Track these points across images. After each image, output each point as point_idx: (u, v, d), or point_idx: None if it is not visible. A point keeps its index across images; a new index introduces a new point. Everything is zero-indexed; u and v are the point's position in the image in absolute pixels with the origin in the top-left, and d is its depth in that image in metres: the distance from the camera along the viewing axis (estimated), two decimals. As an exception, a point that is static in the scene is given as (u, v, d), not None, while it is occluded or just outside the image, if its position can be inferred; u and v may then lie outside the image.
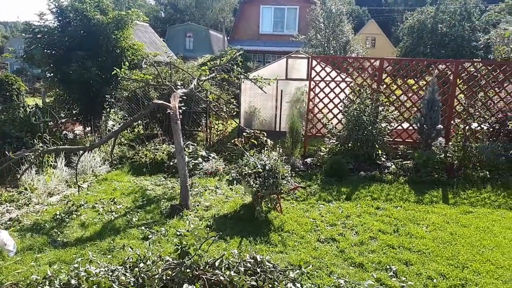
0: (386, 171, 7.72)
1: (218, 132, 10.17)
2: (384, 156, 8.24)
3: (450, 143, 8.16)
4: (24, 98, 12.36)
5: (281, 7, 25.55)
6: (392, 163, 7.94)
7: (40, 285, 3.56)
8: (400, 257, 4.50)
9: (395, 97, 9.09)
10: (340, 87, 9.05)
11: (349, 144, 8.26)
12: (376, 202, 6.34)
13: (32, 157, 6.46)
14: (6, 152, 6.58)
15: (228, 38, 30.65)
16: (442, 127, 8.15)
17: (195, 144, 9.11)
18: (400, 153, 8.80)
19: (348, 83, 9.19)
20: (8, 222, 5.37)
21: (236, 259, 3.64)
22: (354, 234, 5.15)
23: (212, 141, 9.98)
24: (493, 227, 5.40)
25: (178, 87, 8.09)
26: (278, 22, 26.02)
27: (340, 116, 9.03)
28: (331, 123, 8.78)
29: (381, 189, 6.92)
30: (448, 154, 7.77)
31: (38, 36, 9.92)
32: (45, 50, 10.05)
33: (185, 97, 8.37)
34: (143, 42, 12.23)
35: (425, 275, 4.13)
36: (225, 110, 9.87)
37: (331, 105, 9.12)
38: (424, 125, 8.13)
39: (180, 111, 6.79)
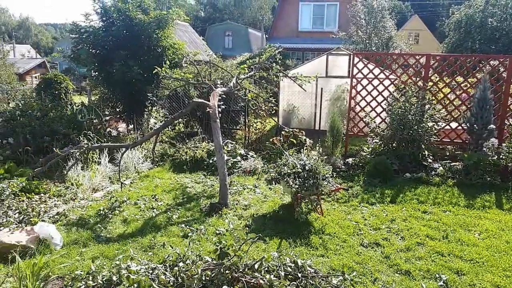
0: (433, 173, 7.34)
1: (257, 131, 10.11)
2: (431, 157, 7.84)
3: (504, 144, 7.64)
4: (72, 96, 12.89)
5: (320, 4, 25.12)
6: (439, 165, 7.55)
7: (84, 280, 3.63)
8: (450, 265, 4.23)
9: (442, 95, 8.64)
10: (384, 84, 8.72)
11: (394, 144, 7.93)
12: (423, 205, 6.03)
13: (78, 153, 6.69)
14: (54, 149, 6.84)
15: (266, 36, 30.58)
16: (494, 127, 7.66)
17: (234, 142, 9.10)
18: (448, 154, 8.35)
19: (392, 80, 8.84)
20: (55, 216, 5.55)
21: (276, 262, 3.54)
22: (400, 239, 4.90)
23: (251, 140, 9.93)
24: (555, 236, 4.98)
25: (218, 85, 8.10)
26: (318, 19, 25.60)
27: (383, 114, 8.70)
28: (374, 122, 8.48)
29: (428, 192, 6.58)
30: (501, 156, 7.28)
31: (84, 36, 10.26)
32: (90, 50, 10.38)
33: (224, 96, 8.37)
34: (183, 41, 12.38)
35: (479, 286, 3.85)
36: (263, 109, 9.79)
37: (374, 103, 8.81)
38: (475, 125, 7.66)
39: (219, 109, 6.78)
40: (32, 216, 5.40)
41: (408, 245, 4.69)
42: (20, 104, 9.54)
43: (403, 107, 7.79)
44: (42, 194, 6.28)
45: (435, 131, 7.89)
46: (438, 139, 8.19)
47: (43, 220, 5.22)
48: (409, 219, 5.50)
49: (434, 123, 7.89)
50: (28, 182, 6.38)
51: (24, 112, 8.88)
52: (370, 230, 5.17)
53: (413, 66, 8.95)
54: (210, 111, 6.39)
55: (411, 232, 5.07)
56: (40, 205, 5.80)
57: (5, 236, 4.56)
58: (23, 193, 6.10)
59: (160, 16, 10.21)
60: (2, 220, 5.20)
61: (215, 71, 10.47)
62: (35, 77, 30.36)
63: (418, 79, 8.54)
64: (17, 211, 5.51)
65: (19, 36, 66.23)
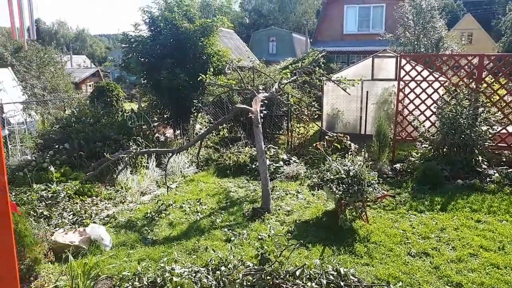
0: (487, 179, 6.92)
1: (300, 135, 10.04)
2: (485, 163, 7.39)
3: None
4: (122, 103, 13.48)
5: (366, 6, 24.59)
6: (495, 171, 7.10)
7: (131, 280, 3.77)
8: (507, 279, 3.95)
9: (497, 97, 8.13)
10: (433, 87, 8.35)
11: (444, 149, 7.57)
12: (477, 214, 5.69)
13: (127, 158, 6.97)
14: (105, 154, 7.17)
15: (311, 40, 30.37)
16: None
17: (276, 147, 9.10)
18: (504, 159, 7.83)
19: (442, 82, 8.45)
20: (106, 219, 5.81)
21: (318, 270, 3.48)
22: (451, 250, 4.65)
23: (293, 144, 9.88)
24: None
25: (260, 91, 8.14)
26: (363, 21, 25.07)
27: (433, 118, 8.34)
28: (423, 126, 8.14)
29: (482, 199, 6.21)
30: None
31: (134, 45, 10.71)
32: (139, 58, 10.81)
33: (266, 101, 8.40)
34: (228, 48, 12.59)
35: (540, 303, 3.57)
36: (306, 113, 9.71)
37: (422, 107, 8.47)
38: (535, 129, 7.15)
39: (262, 114, 6.81)
40: (84, 217, 5.69)
41: (460, 256, 4.44)
42: (75, 112, 10.11)
43: (454, 110, 7.43)
44: (94, 197, 6.60)
45: (489, 135, 7.44)
46: (493, 144, 7.71)
47: (94, 222, 5.48)
48: (461, 228, 5.21)
49: (488, 127, 7.44)
50: (82, 185, 6.74)
51: (79, 119, 9.41)
52: (419, 239, 4.96)
53: (465, 67, 8.52)
54: (252, 117, 6.43)
55: (463, 242, 4.80)
56: (92, 208, 6.10)
57: (60, 236, 4.84)
58: (76, 195, 6.45)
59: (205, 24, 10.44)
60: (58, 221, 5.52)
61: (258, 77, 10.54)
62: (90, 86, 32.10)
63: (470, 80, 8.11)
64: (71, 212, 5.83)
65: (76, 47, 70.47)
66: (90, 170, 7.26)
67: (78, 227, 5.24)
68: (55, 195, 6.22)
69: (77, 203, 6.22)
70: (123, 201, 6.59)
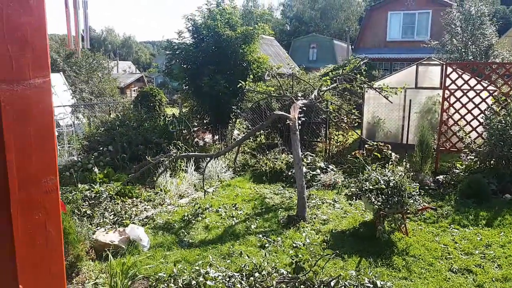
0: (539, 195, 6.51)
1: (338, 143, 9.89)
2: (537, 178, 6.96)
3: None
4: (164, 108, 13.88)
5: (411, 12, 23.96)
6: (547, 186, 6.67)
7: (166, 282, 3.85)
8: (559, 303, 3.69)
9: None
10: (481, 96, 7.98)
11: (491, 162, 7.20)
12: (526, 231, 5.36)
13: (167, 162, 7.15)
14: (146, 157, 7.40)
15: (352, 47, 29.96)
16: None
17: (314, 155, 9.01)
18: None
19: (491, 92, 8.06)
20: (144, 220, 5.99)
21: (353, 281, 3.40)
22: (496, 267, 4.40)
23: (331, 153, 9.74)
24: None
25: (299, 98, 8.11)
26: (408, 28, 24.42)
27: (480, 129, 7.96)
28: (469, 136, 7.79)
29: (533, 216, 5.83)
30: None
31: (177, 52, 11.03)
32: (182, 65, 11.11)
33: (305, 108, 8.36)
34: (268, 55, 12.67)
35: None
36: (346, 121, 9.56)
37: (469, 117, 8.11)
38: None
39: (299, 121, 6.78)
40: (124, 218, 5.88)
41: (506, 275, 4.19)
42: (119, 115, 10.52)
43: (503, 121, 7.06)
44: (134, 198, 6.81)
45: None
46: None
47: (133, 223, 5.65)
48: (508, 246, 4.92)
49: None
50: (123, 186, 6.98)
51: (123, 123, 9.78)
52: (461, 254, 4.73)
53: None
54: (290, 123, 6.42)
55: (510, 260, 4.53)
56: (132, 209, 6.30)
57: (101, 235, 5.03)
58: (118, 196, 6.68)
59: (247, 32, 10.58)
60: (100, 220, 5.74)
61: (298, 84, 10.51)
62: (134, 91, 33.33)
63: (522, 90, 7.69)
64: (112, 213, 6.04)
65: (122, 53, 73.44)
66: (132, 172, 7.51)
67: (118, 227, 5.42)
68: (98, 195, 6.47)
69: (118, 203, 6.44)
70: (162, 203, 6.76)
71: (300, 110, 7.14)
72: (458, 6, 18.50)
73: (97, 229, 5.33)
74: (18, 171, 1.11)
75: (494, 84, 8.29)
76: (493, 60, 17.31)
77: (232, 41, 10.45)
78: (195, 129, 11.87)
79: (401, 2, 24.22)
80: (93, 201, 6.32)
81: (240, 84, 8.04)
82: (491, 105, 7.91)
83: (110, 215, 5.96)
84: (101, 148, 8.90)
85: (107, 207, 6.20)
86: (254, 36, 10.84)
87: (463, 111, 8.14)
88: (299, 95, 8.41)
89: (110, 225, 5.65)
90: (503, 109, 7.44)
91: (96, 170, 7.68)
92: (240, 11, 12.37)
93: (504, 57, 17.68)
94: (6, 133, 1.07)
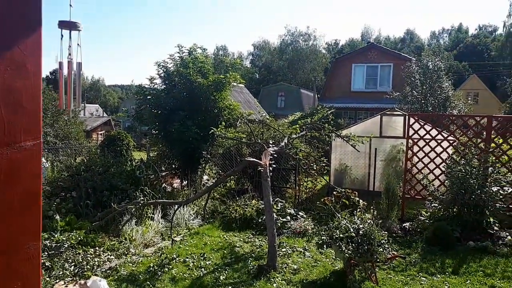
0: (500, 242, 6.73)
1: (307, 190, 9.97)
2: (497, 225, 7.22)
3: None
4: (132, 152, 13.66)
5: (374, 65, 25.39)
6: (507, 234, 6.91)
7: None
8: None
9: (507, 158, 8.10)
10: (442, 146, 8.38)
11: (454, 209, 7.43)
12: (490, 279, 5.46)
13: (133, 209, 6.93)
14: (112, 204, 7.15)
15: (318, 96, 31.09)
16: None
17: (284, 201, 9.00)
18: (517, 222, 7.64)
19: (451, 142, 8.49)
20: (108, 271, 5.67)
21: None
22: (466, 317, 4.42)
23: (301, 199, 9.78)
24: None
25: (270, 145, 8.22)
26: (371, 79, 25.76)
27: (442, 177, 8.27)
28: (433, 184, 8.06)
29: (496, 263, 5.99)
30: None
31: (148, 97, 11.04)
32: (153, 110, 11.09)
33: (276, 155, 8.45)
34: (238, 102, 12.92)
35: None
36: (315, 168, 9.71)
37: (432, 165, 8.44)
38: (547, 191, 7.04)
39: (271, 168, 6.82)
40: (86, 269, 5.55)
41: (476, 325, 4.20)
42: (85, 160, 10.22)
43: (463, 170, 7.38)
44: (97, 248, 6.48)
45: (500, 197, 7.32)
46: (505, 206, 7.56)
47: (96, 274, 5.34)
48: (475, 295, 4.98)
49: (499, 188, 7.34)
50: (86, 235, 6.65)
51: (88, 167, 9.48)
52: (431, 304, 4.73)
53: (473, 127, 8.59)
54: (262, 170, 6.44)
55: (479, 310, 4.57)
56: (95, 259, 5.97)
57: (60, 288, 4.71)
58: (80, 245, 6.35)
59: (218, 80, 10.79)
60: (59, 272, 5.39)
61: (267, 130, 10.68)
62: (101, 134, 32.73)
63: (479, 141, 8.14)
64: (73, 263, 5.69)
65: (90, 96, 72.69)
66: (95, 219, 7.20)
67: (79, 280, 5.11)
68: (58, 244, 6.12)
69: (79, 253, 6.10)
70: (127, 253, 6.45)
71: (271, 156, 7.21)
72: (417, 61, 19.80)
73: (56, 282, 4.99)
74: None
75: (454, 135, 8.74)
76: (451, 111, 18.39)
77: (204, 88, 10.61)
78: (163, 174, 11.66)
79: (364, 55, 25.71)
80: (53, 251, 5.96)
81: (212, 130, 8.09)
82: (452, 154, 8.30)
83: (71, 266, 5.61)
84: (63, 194, 8.53)
85: (68, 258, 5.84)
86: (226, 84, 11.06)
87: (426, 159, 8.48)
88: (270, 142, 8.52)
89: (71, 277, 5.31)
90: (463, 159, 7.80)
91: (57, 217, 7.31)
92: (211, 58, 12.67)
93: (461, 108, 18.85)
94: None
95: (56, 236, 6.40)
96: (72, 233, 6.74)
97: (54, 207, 7.85)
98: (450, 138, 8.60)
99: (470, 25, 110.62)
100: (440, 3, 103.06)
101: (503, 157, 8.05)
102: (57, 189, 8.82)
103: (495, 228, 7.12)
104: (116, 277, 5.52)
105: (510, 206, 7.72)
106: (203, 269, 5.81)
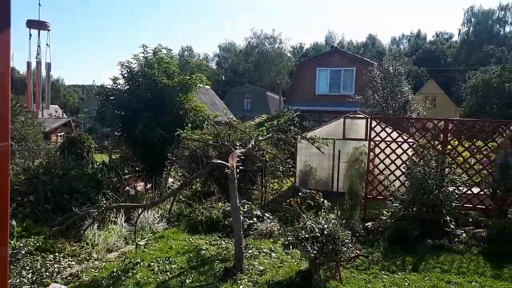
0: (456, 239, 7.07)
1: (274, 191, 10.05)
2: (453, 223, 7.57)
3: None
4: (93, 155, 13.23)
5: (337, 69, 25.99)
6: (462, 231, 7.27)
7: None
8: None
9: (462, 160, 8.52)
10: (402, 148, 8.70)
11: (414, 209, 7.73)
12: (447, 275, 5.73)
13: (96, 213, 6.72)
14: (73, 208, 6.90)
15: (284, 98, 31.44)
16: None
17: (250, 202, 9.03)
18: (471, 220, 8.05)
19: (410, 144, 8.83)
20: (68, 278, 5.48)
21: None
22: (425, 312, 4.61)
23: (267, 200, 9.85)
24: None
25: (237, 147, 8.22)
26: (334, 83, 26.35)
27: (402, 178, 8.58)
28: (393, 185, 8.34)
29: (452, 260, 6.28)
30: (528, 223, 6.98)
31: (111, 98, 10.74)
32: (115, 111, 10.80)
33: (242, 157, 8.46)
34: (204, 103, 12.82)
35: None
36: (281, 169, 9.81)
37: (392, 167, 8.74)
38: (497, 190, 7.47)
39: (238, 170, 6.83)
40: (45, 276, 5.34)
41: (434, 320, 4.39)
42: (44, 163, 9.82)
43: (422, 171, 7.69)
44: (57, 254, 6.24)
45: (456, 196, 7.69)
46: (460, 205, 7.95)
47: (55, 281, 5.15)
48: (433, 290, 5.20)
49: (454, 188, 7.71)
50: (45, 240, 6.39)
51: (47, 170, 9.11)
52: (393, 301, 4.90)
53: (432, 130, 8.97)
54: (228, 172, 6.43)
55: (437, 304, 4.78)
56: (54, 265, 5.76)
57: (17, 297, 4.50)
58: (38, 252, 6.09)
59: (184, 81, 10.67)
60: (16, 280, 5.15)
61: (234, 132, 10.68)
62: (60, 136, 31.49)
63: (437, 143, 8.51)
64: (31, 271, 5.46)
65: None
66: (55, 224, 6.92)
67: (38, 287, 4.90)
68: (15, 251, 5.85)
69: (37, 260, 5.86)
70: (88, 258, 6.26)
71: (238, 158, 7.21)
72: (378, 66, 20.46)
73: (12, 291, 4.76)
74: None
75: (413, 137, 9.09)
76: (410, 114, 19.12)
77: (169, 89, 10.46)
78: (127, 177, 11.39)
79: (328, 59, 26.27)
80: (9, 259, 5.67)
81: (178, 132, 7.99)
82: (411, 156, 8.62)
83: (28, 274, 5.37)
84: (19, 199, 8.16)
85: (25, 265, 5.60)
86: (191, 85, 10.96)
87: (387, 161, 8.77)
88: (237, 144, 8.52)
89: (29, 285, 5.08)
90: (422, 160, 8.13)
91: (13, 223, 6.98)
92: (176, 59, 12.51)
93: (420, 112, 19.63)
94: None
95: (12, 242, 6.10)
96: (30, 239, 6.46)
97: (10, 212, 7.49)
98: (410, 140, 8.94)
99: (428, 32, 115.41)
100: (401, 9, 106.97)
101: (458, 158, 8.46)
102: (13, 193, 8.41)
103: (451, 226, 7.46)
104: (78, 283, 5.34)
105: (466, 205, 8.12)
106: (168, 273, 5.73)
